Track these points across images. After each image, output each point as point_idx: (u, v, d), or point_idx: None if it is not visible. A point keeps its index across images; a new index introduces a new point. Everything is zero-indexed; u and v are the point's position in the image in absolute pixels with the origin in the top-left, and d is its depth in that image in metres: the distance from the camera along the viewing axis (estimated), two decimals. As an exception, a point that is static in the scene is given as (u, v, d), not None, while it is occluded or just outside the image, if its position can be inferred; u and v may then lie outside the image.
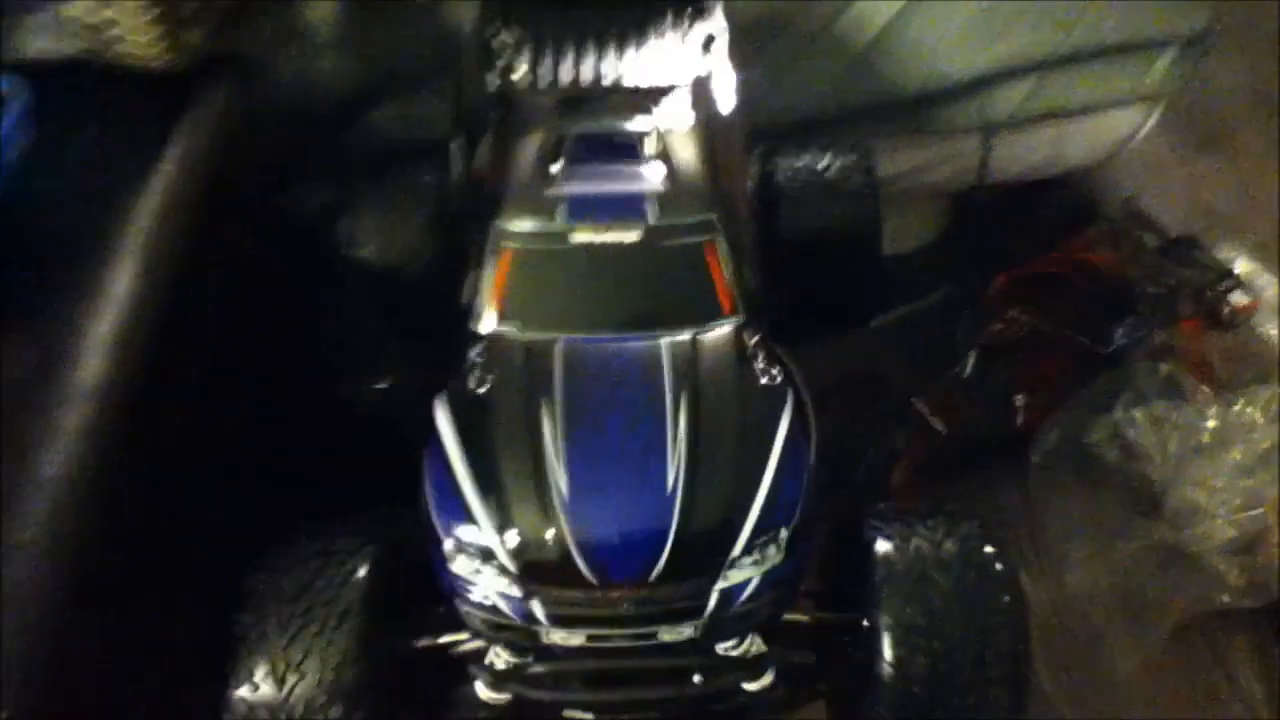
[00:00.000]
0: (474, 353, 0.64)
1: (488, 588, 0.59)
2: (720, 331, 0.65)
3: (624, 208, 0.66)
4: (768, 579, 0.60)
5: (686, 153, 0.69)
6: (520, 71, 0.73)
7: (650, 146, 0.69)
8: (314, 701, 0.59)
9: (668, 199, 0.66)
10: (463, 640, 0.65)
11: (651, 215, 0.66)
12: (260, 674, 0.59)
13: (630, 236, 0.65)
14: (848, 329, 0.91)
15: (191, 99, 0.72)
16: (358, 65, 0.93)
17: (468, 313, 0.66)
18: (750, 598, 0.60)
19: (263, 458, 0.81)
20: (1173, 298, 1.10)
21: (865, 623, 0.63)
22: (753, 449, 0.61)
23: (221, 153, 0.72)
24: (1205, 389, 1.06)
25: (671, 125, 0.70)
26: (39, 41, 0.70)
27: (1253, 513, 0.99)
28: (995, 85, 1.03)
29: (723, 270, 0.66)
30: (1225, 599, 0.98)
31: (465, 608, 0.60)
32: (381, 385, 1.03)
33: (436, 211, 0.80)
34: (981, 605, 0.62)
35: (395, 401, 0.97)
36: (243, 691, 0.59)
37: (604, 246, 0.65)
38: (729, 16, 0.81)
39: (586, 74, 0.73)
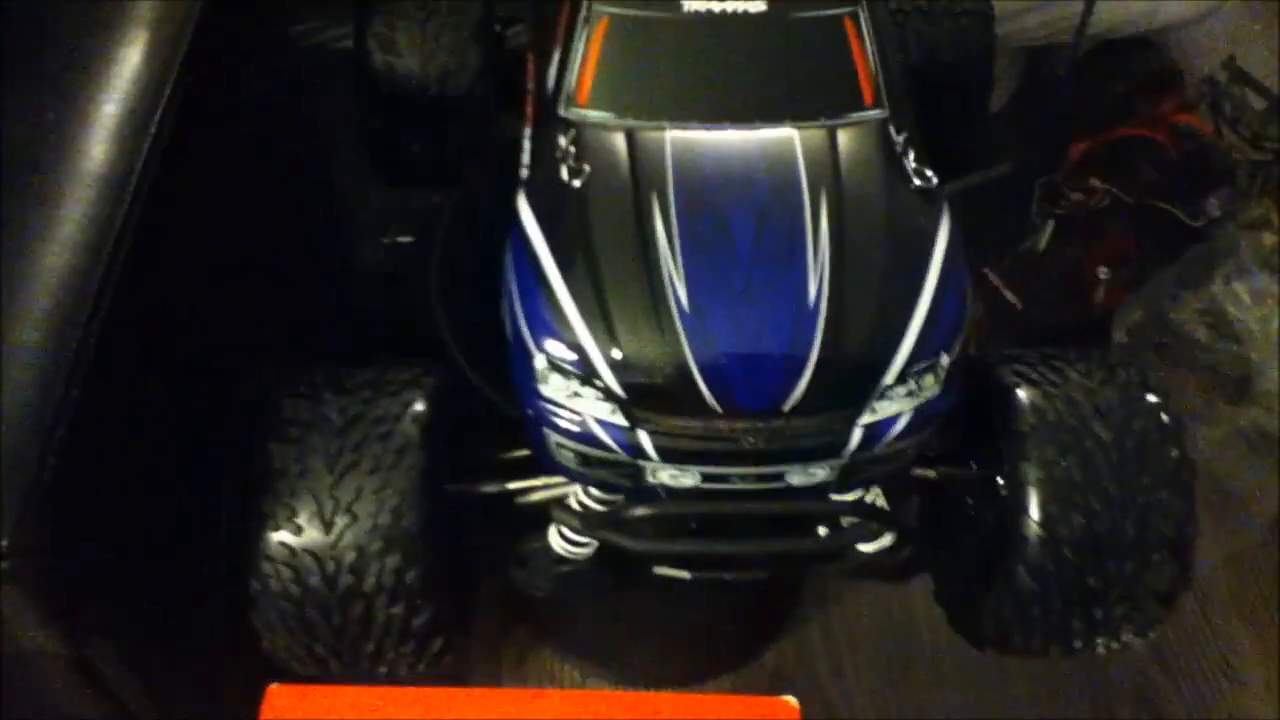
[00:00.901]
0: (564, 140, 0.55)
1: (586, 414, 0.50)
2: (863, 124, 0.55)
3: None
4: (921, 414, 0.51)
5: None
6: None
7: None
8: (367, 548, 0.50)
9: None
10: (536, 487, 0.56)
11: None
12: (305, 516, 0.50)
13: (755, 4, 0.55)
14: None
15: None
16: None
17: (555, 97, 0.56)
18: (899, 436, 0.51)
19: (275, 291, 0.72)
20: (1271, 164, 1.01)
21: (1001, 480, 0.54)
22: (909, 259, 0.52)
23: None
24: (1306, 263, 0.98)
25: None
26: None
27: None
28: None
29: (866, 51, 0.56)
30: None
31: (555, 438, 0.51)
32: (405, 240, 0.94)
33: (487, 12, 0.70)
34: (1146, 460, 0.53)
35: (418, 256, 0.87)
36: (282, 535, 0.50)
37: (722, 15, 0.55)
38: None
39: None
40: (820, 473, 0.50)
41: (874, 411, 0.50)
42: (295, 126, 0.77)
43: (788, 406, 0.48)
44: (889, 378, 0.49)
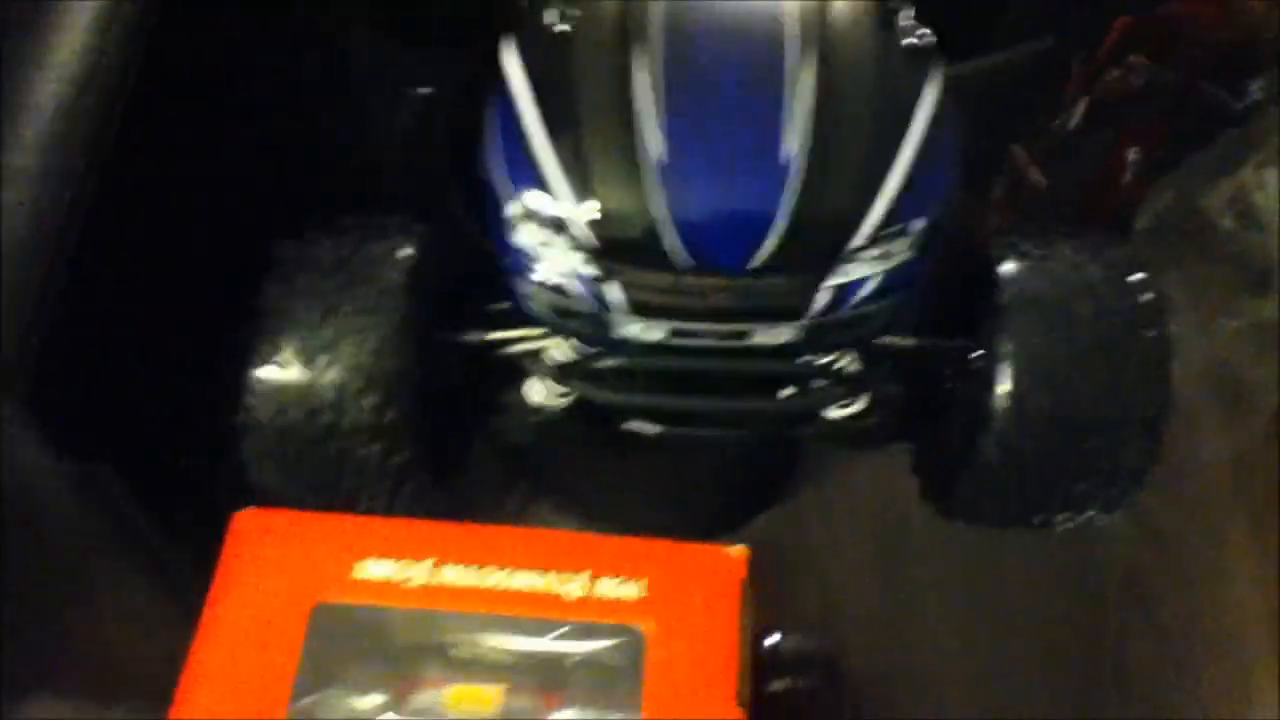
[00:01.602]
0: None
1: (557, 264, 0.51)
2: None
3: None
4: (891, 278, 0.52)
5: None
6: None
7: None
8: (348, 387, 0.52)
9: None
10: (517, 339, 0.57)
11: None
12: (288, 352, 0.52)
13: None
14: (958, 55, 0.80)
15: None
16: None
17: None
18: (867, 299, 0.52)
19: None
20: (1321, 50, 0.98)
21: (981, 356, 0.55)
22: (890, 121, 0.52)
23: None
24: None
25: None
26: None
27: (1384, 295, 0.90)
28: None
29: None
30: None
31: (527, 288, 0.53)
32: (425, 91, 0.93)
33: None
34: (1123, 339, 0.54)
35: (437, 110, 0.87)
36: (267, 369, 0.52)
37: None
38: None
39: None
40: (786, 333, 0.51)
41: (841, 274, 0.50)
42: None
43: (754, 264, 0.49)
44: (858, 240, 0.50)
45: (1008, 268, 0.55)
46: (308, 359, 0.52)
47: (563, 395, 0.56)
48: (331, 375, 0.52)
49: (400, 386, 0.53)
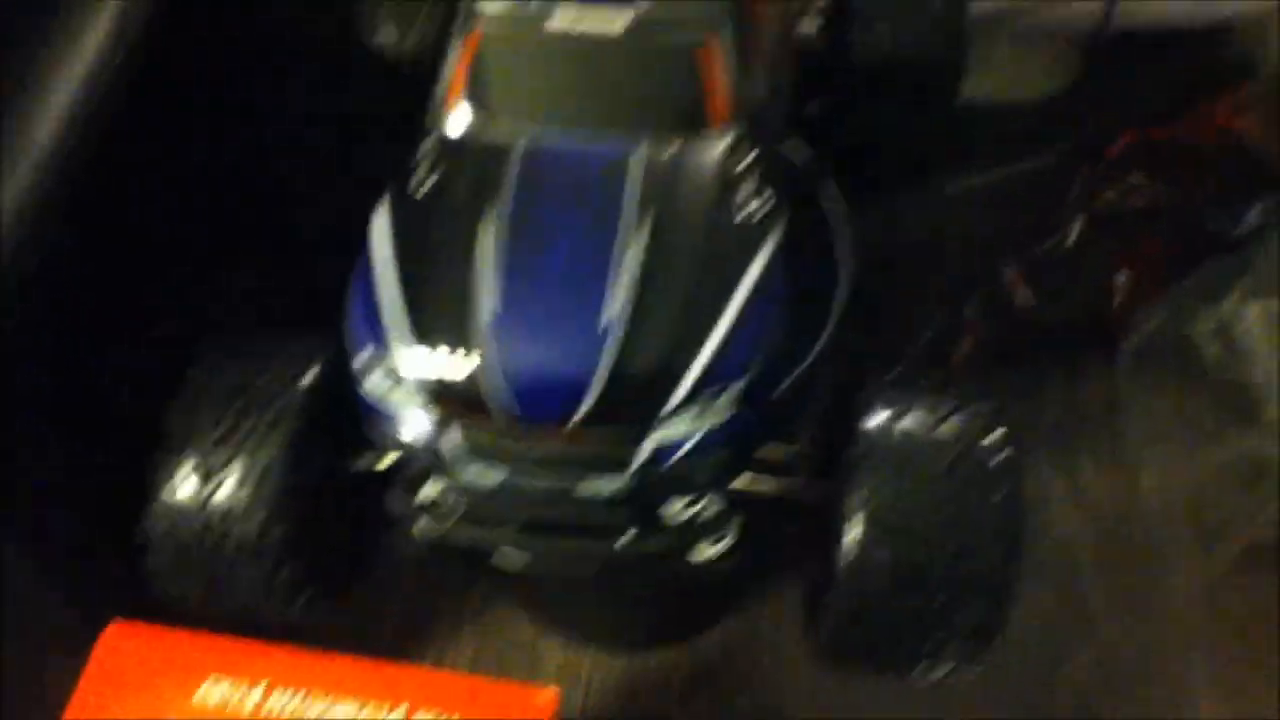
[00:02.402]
0: (425, 148, 0.60)
1: (399, 410, 0.56)
2: (704, 146, 0.59)
3: None
4: (713, 436, 0.56)
5: None
6: None
7: None
8: (234, 509, 0.57)
9: None
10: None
11: (642, 3, 0.59)
12: (184, 471, 0.58)
13: (618, 25, 0.59)
14: (914, 180, 0.83)
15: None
16: None
17: (435, 100, 0.61)
18: (688, 455, 0.56)
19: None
20: (1321, 180, 0.98)
21: (835, 499, 0.58)
22: (716, 285, 0.56)
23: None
24: (1340, 289, 0.95)
25: None
26: None
27: (1363, 435, 0.90)
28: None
29: (722, 72, 0.59)
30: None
31: (378, 429, 0.58)
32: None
33: None
34: (972, 498, 0.56)
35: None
36: (168, 489, 0.58)
37: (581, 37, 0.59)
38: None
39: None
40: (610, 484, 0.55)
41: (660, 431, 0.54)
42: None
43: (575, 419, 0.53)
44: (675, 400, 0.54)
45: (866, 420, 0.58)
46: (202, 479, 0.58)
47: (430, 528, 0.61)
48: (221, 496, 0.58)
49: (287, 507, 0.58)
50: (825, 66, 0.74)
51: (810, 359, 0.60)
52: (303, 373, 0.60)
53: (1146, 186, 1.03)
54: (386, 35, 0.75)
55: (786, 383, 0.58)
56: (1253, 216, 1.00)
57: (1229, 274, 0.97)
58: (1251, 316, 0.96)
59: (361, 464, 0.62)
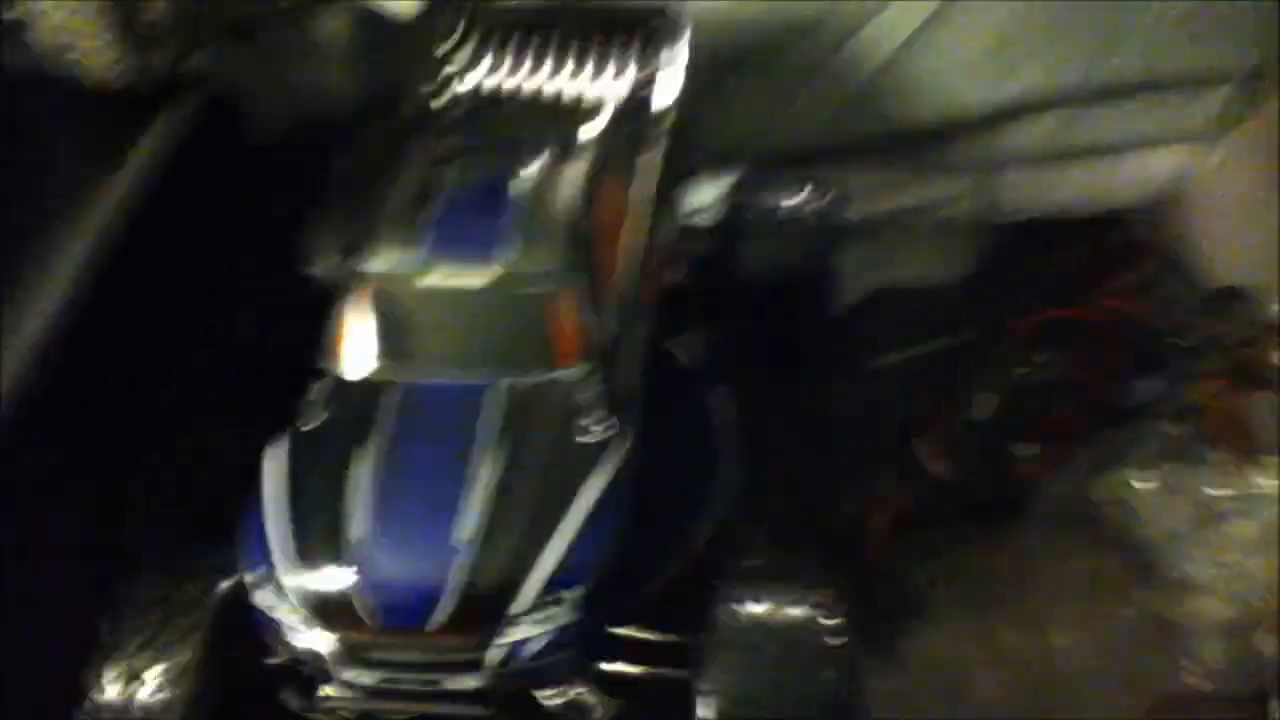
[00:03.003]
0: (314, 388, 0.69)
1: (282, 622, 0.64)
2: (549, 382, 0.68)
3: (476, 253, 0.69)
4: (557, 636, 0.64)
5: (563, 200, 0.72)
6: (441, 88, 0.78)
7: (523, 191, 0.72)
8: (153, 708, 0.65)
9: (524, 249, 0.69)
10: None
11: (501, 263, 0.69)
12: (111, 675, 0.66)
13: (476, 281, 0.69)
14: (798, 367, 0.92)
15: (151, 116, 0.79)
16: (351, 79, 1.00)
17: (326, 348, 0.71)
18: (537, 654, 0.64)
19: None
20: (1205, 353, 1.07)
21: (692, 682, 0.66)
22: (554, 506, 0.64)
23: (176, 170, 0.79)
24: (1225, 454, 1.03)
25: (558, 168, 0.73)
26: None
27: (1250, 592, 0.97)
28: (1012, 122, 1.01)
29: (568, 322, 0.69)
30: (1205, 681, 0.96)
31: (268, 637, 0.66)
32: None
33: None
34: (808, 680, 0.64)
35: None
36: (94, 692, 0.66)
37: (447, 290, 0.69)
38: (729, 48, 0.84)
39: (501, 105, 0.78)
40: (470, 681, 0.63)
41: (508, 634, 0.63)
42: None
43: (429, 627, 0.62)
44: (518, 607, 0.62)
45: (718, 609, 0.66)
46: (126, 682, 0.66)
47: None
48: (140, 699, 0.66)
49: (201, 704, 0.66)
50: (706, 291, 0.85)
51: (675, 553, 0.68)
52: (218, 583, 0.68)
53: (1051, 363, 1.13)
54: (324, 264, 0.85)
55: (647, 577, 0.66)
56: (1143, 391, 1.09)
57: (1123, 444, 1.05)
58: (1144, 482, 1.04)
59: (275, 659, 0.71)
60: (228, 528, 0.69)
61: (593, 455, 0.67)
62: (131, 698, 0.65)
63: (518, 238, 0.70)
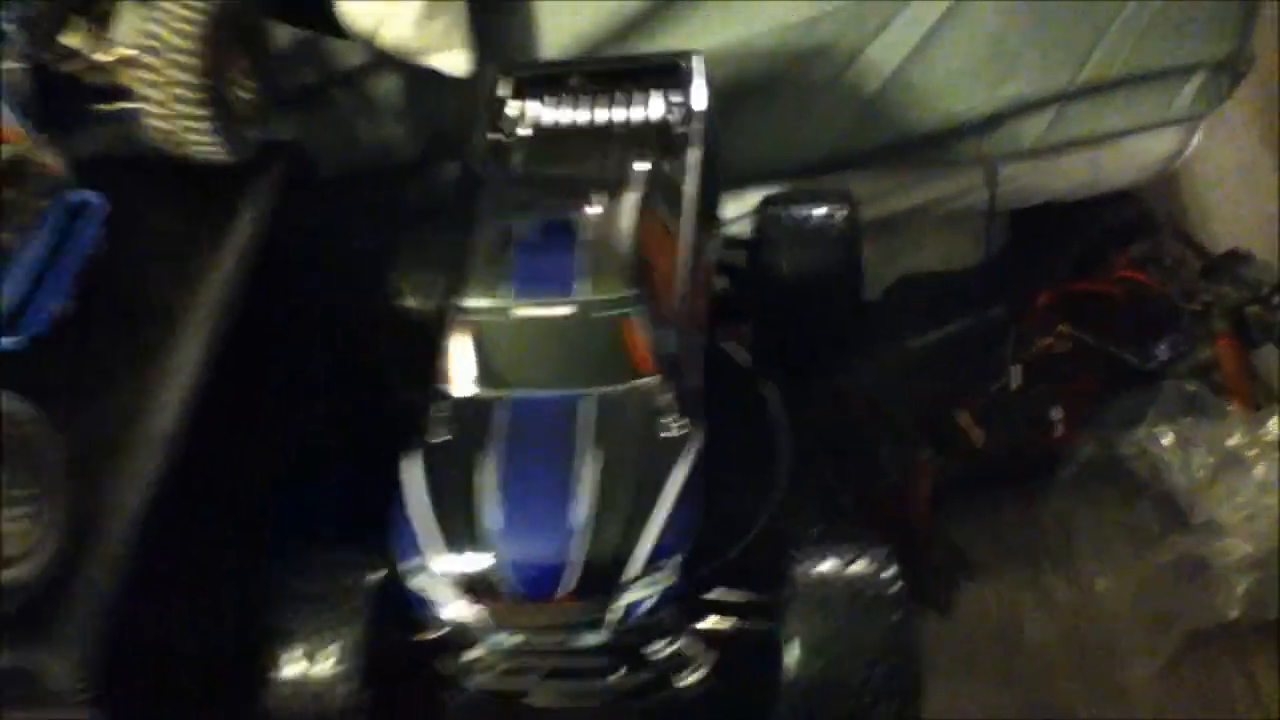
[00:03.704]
0: (435, 409, 0.81)
1: (440, 600, 0.76)
2: (631, 390, 0.79)
3: (558, 287, 0.81)
4: (664, 596, 0.75)
5: (625, 233, 0.83)
6: (503, 146, 0.91)
7: (591, 228, 0.84)
8: (333, 679, 0.77)
9: (596, 280, 0.81)
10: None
11: (580, 293, 0.81)
12: (290, 657, 0.78)
13: (563, 311, 0.80)
14: (832, 361, 1.03)
15: (247, 184, 0.92)
16: (412, 130, 1.12)
17: (438, 373, 0.83)
18: (648, 612, 0.75)
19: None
20: (1211, 315, 1.17)
21: (774, 635, 0.77)
22: (648, 492, 0.76)
23: (273, 226, 0.91)
24: (1237, 407, 1.13)
25: (617, 206, 0.85)
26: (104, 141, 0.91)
27: (1271, 528, 1.06)
28: (1011, 120, 1.12)
29: (640, 338, 0.80)
30: (1234, 613, 1.06)
31: (428, 615, 0.78)
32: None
33: None
34: (873, 624, 0.75)
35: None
36: (271, 673, 0.78)
37: (540, 319, 0.81)
38: (750, 76, 0.95)
39: (559, 154, 0.91)
40: (595, 638, 0.75)
41: (624, 596, 0.74)
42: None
43: (561, 595, 0.73)
44: (631, 574, 0.74)
45: (792, 569, 0.77)
46: (301, 661, 0.78)
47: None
48: (318, 671, 0.78)
49: (369, 675, 0.78)
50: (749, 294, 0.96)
51: (747, 524, 0.79)
52: (362, 577, 0.80)
53: (1070, 334, 1.23)
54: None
55: (727, 545, 0.77)
56: (1159, 352, 1.19)
57: (1145, 402, 1.15)
58: (1165, 436, 1.13)
59: (415, 638, 0.82)
60: (359, 533, 0.82)
61: (674, 447, 0.78)
62: (309, 674, 0.77)
63: (589, 271, 0.82)
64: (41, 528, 0.70)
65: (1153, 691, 1.08)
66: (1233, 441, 1.11)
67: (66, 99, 0.92)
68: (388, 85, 1.14)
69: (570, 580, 0.73)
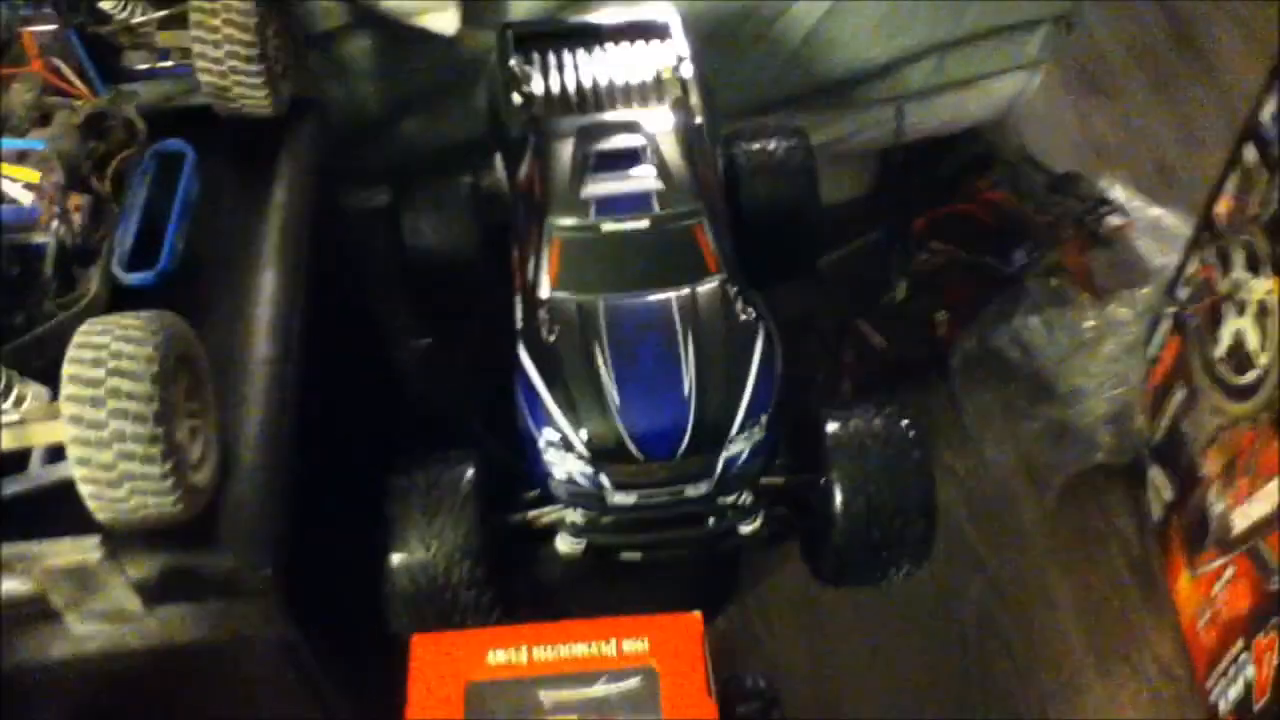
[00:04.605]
0: (541, 312, 0.95)
1: (569, 469, 0.90)
2: (710, 286, 0.95)
3: (636, 204, 0.96)
4: (755, 449, 0.92)
5: (675, 158, 0.99)
6: (539, 99, 1.04)
7: (649, 156, 0.99)
8: (452, 558, 0.90)
9: (666, 195, 0.97)
10: (545, 514, 0.96)
11: (656, 207, 0.96)
12: (411, 543, 0.90)
13: (643, 224, 0.95)
14: (799, 274, 1.22)
15: (286, 135, 1.02)
16: (392, 88, 1.23)
17: (533, 284, 0.96)
18: (745, 462, 0.92)
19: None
20: (1058, 224, 1.42)
21: (822, 481, 0.94)
22: (738, 364, 0.92)
23: (313, 175, 1.01)
24: (1086, 296, 1.39)
25: (661, 138, 1.00)
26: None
27: (1122, 390, 1.33)
28: (905, 66, 1.34)
29: (709, 242, 0.96)
30: (1100, 457, 1.32)
31: (553, 484, 0.92)
32: (424, 341, 1.34)
33: (476, 207, 1.10)
34: (900, 463, 0.94)
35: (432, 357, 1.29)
36: (399, 555, 0.90)
37: (624, 232, 0.95)
38: (694, 32, 1.11)
39: (592, 100, 1.04)
40: (703, 487, 0.91)
41: (728, 450, 0.90)
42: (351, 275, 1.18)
43: (678, 453, 0.89)
44: (733, 431, 0.90)
45: (828, 428, 0.96)
46: (425, 545, 0.90)
47: (578, 544, 0.94)
48: (440, 553, 0.90)
49: (482, 554, 0.90)
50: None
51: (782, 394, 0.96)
52: (467, 469, 0.93)
53: (943, 249, 1.46)
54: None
55: (781, 410, 0.94)
56: (1018, 258, 1.44)
57: (1012, 300, 1.40)
58: (1031, 326, 1.38)
59: (518, 519, 0.95)
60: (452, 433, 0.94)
61: (751, 328, 0.94)
62: (433, 555, 0.89)
63: (658, 192, 0.97)
64: (206, 438, 0.80)
65: (1042, 531, 1.34)
66: (1087, 324, 1.37)
67: (109, 60, 0.99)
68: (358, 46, 1.23)
69: (686, 441, 0.89)
